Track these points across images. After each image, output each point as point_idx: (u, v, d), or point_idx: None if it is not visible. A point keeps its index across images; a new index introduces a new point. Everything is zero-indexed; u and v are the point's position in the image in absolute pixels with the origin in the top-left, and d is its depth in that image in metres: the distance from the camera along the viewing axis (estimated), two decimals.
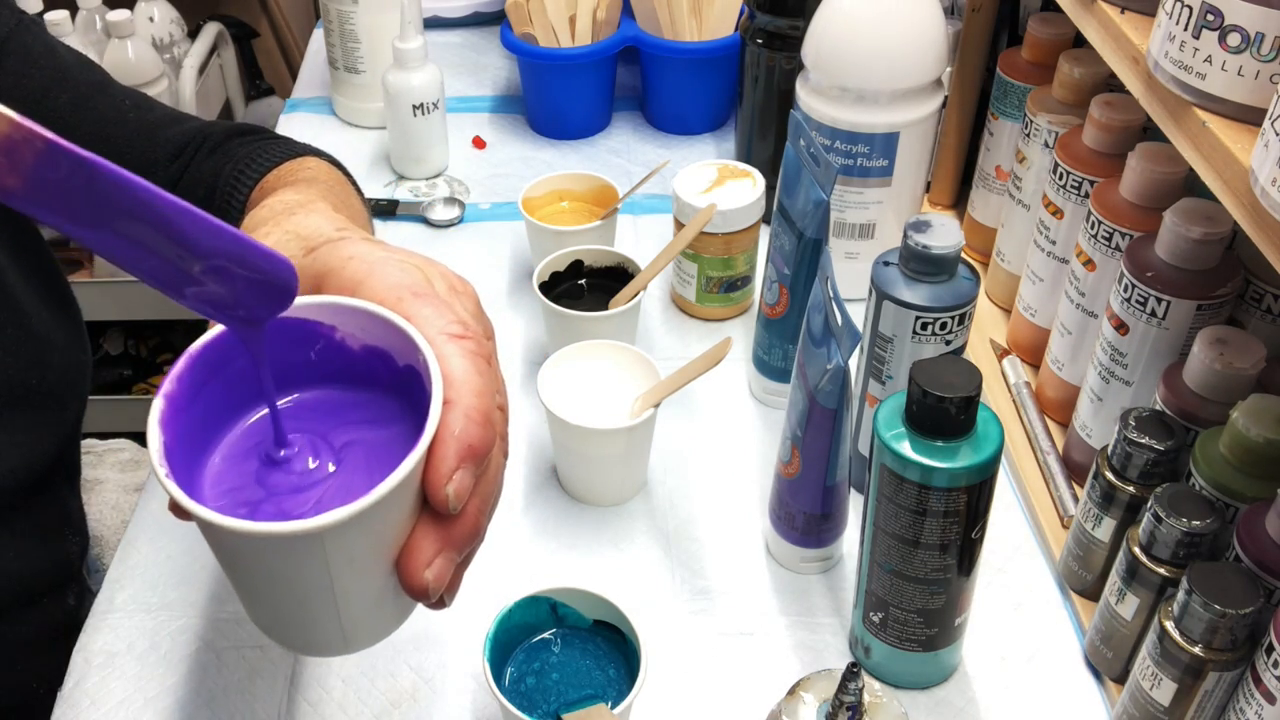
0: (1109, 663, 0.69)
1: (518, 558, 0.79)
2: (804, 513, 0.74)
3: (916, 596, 0.65)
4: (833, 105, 0.91)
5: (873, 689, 0.60)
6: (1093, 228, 0.78)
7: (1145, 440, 0.66)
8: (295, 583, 0.38)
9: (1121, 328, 0.73)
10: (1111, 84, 0.84)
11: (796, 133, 0.80)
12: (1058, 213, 0.84)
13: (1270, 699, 0.55)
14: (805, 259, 0.80)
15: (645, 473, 0.84)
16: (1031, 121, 0.89)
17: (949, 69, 1.02)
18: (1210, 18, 0.52)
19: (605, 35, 1.20)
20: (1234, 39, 0.52)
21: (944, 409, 0.59)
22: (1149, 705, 0.62)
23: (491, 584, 0.77)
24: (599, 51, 1.19)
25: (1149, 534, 0.63)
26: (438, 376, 0.37)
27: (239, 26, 1.93)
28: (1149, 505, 0.63)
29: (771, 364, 0.89)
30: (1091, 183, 0.81)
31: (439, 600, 0.40)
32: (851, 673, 0.57)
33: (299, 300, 0.39)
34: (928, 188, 1.09)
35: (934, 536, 0.62)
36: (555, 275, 0.92)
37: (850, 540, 0.78)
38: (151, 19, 1.73)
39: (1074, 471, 0.82)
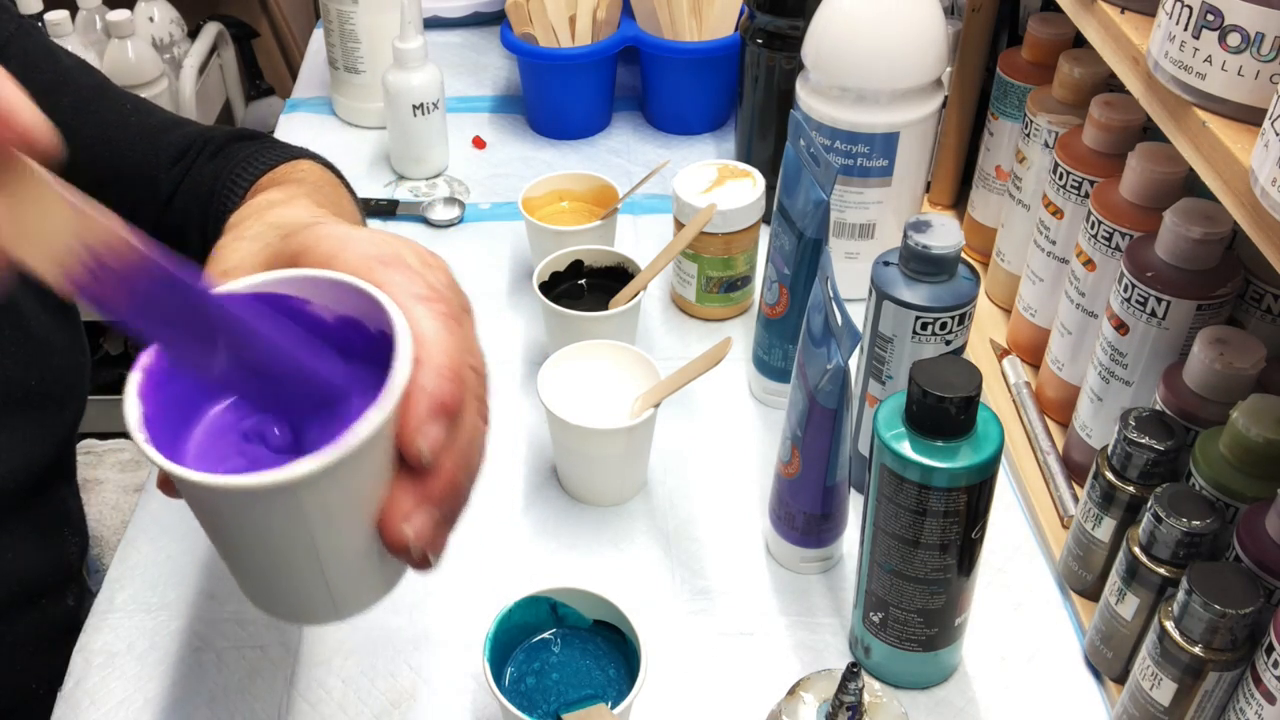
0: (1109, 663, 0.69)
1: (518, 558, 0.79)
2: (804, 513, 0.74)
3: (916, 596, 0.65)
4: (833, 105, 0.91)
5: (873, 689, 0.60)
6: (1093, 228, 0.78)
7: (1145, 440, 0.66)
8: (277, 543, 0.39)
9: (1121, 328, 0.73)
10: (1111, 84, 0.84)
11: (796, 133, 0.80)
12: (1058, 213, 0.84)
13: (1270, 699, 0.55)
14: (805, 259, 0.80)
15: (645, 473, 0.84)
16: (1031, 121, 0.89)
17: (949, 69, 1.02)
18: (1210, 18, 0.52)
19: (605, 35, 1.20)
20: (1234, 39, 0.52)
21: (944, 409, 0.59)
22: (1149, 705, 0.62)
23: (491, 584, 0.77)
24: (599, 51, 1.19)
25: (1149, 534, 0.63)
26: (405, 333, 0.38)
27: (239, 26, 1.93)
28: (1149, 505, 0.63)
29: (771, 364, 0.89)
30: (1091, 183, 0.81)
31: (424, 560, 0.40)
32: (851, 673, 0.57)
33: (270, 275, 0.40)
34: (928, 188, 1.09)
35: (934, 536, 0.62)
36: (555, 275, 0.92)
37: (850, 540, 0.78)
38: (151, 19, 1.73)
39: (1074, 471, 0.82)
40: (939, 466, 0.60)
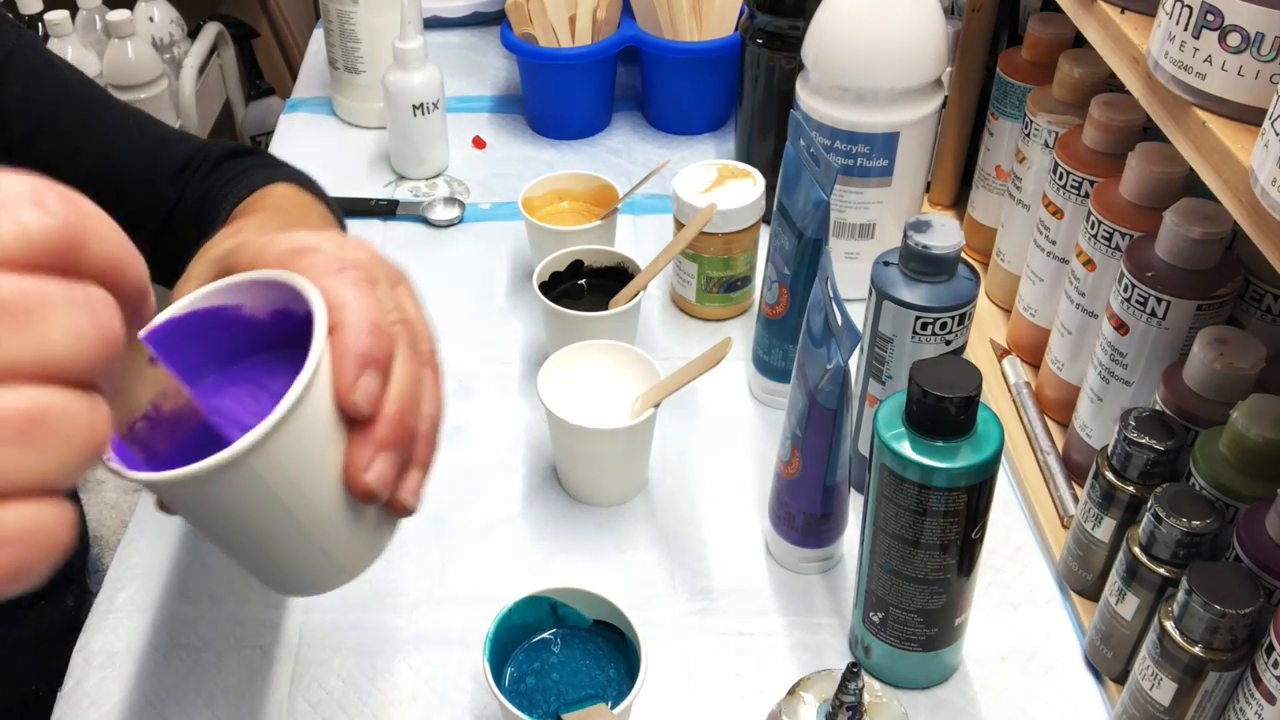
0: (1109, 663, 0.69)
1: (518, 558, 0.79)
2: (804, 513, 0.74)
3: (916, 596, 0.65)
4: (833, 105, 0.91)
5: (873, 689, 0.60)
6: (1093, 228, 0.78)
7: (1145, 440, 0.66)
8: (258, 521, 0.41)
9: (1121, 328, 0.73)
10: (1111, 84, 0.84)
11: (796, 133, 0.80)
12: (1058, 213, 0.84)
13: (1270, 699, 0.55)
14: (805, 259, 0.80)
15: (645, 473, 0.84)
16: (1031, 121, 0.89)
17: (949, 69, 1.02)
18: (1210, 18, 0.52)
19: (605, 35, 1.20)
20: (1234, 39, 0.52)
21: (944, 409, 0.59)
22: (1149, 705, 0.62)
23: (491, 584, 0.77)
24: (599, 51, 1.19)
25: (1149, 534, 0.63)
26: (319, 305, 0.40)
27: (239, 26, 1.93)
28: (1149, 505, 0.63)
29: (771, 364, 0.89)
30: (1091, 183, 0.81)
31: (400, 505, 0.44)
32: (851, 673, 0.57)
33: (199, 291, 0.42)
34: (928, 188, 1.09)
35: (934, 536, 0.62)
36: (555, 275, 0.92)
37: (850, 540, 0.78)
38: (151, 19, 1.73)
39: (1074, 471, 0.82)
40: (939, 466, 0.60)
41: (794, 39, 0.98)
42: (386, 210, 1.13)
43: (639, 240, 1.08)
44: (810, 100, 0.93)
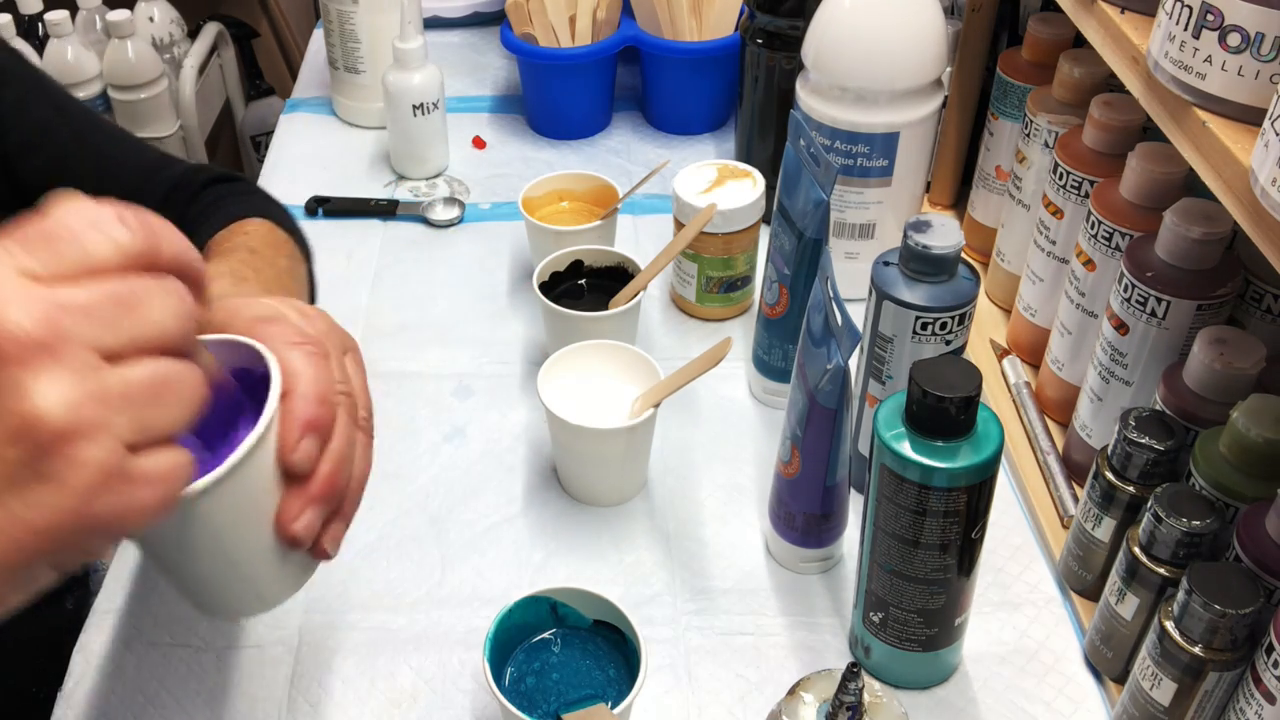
0: (1109, 663, 0.69)
1: (518, 558, 0.79)
2: (804, 513, 0.74)
3: (916, 596, 0.65)
4: (833, 105, 0.91)
5: (873, 689, 0.60)
6: (1093, 228, 0.78)
7: (1145, 440, 0.66)
8: (195, 548, 0.46)
9: (1121, 328, 0.73)
10: (1111, 84, 0.84)
11: (796, 133, 0.80)
12: (1058, 213, 0.84)
13: (1270, 699, 0.55)
14: (805, 259, 0.80)
15: (645, 473, 0.84)
16: (1031, 121, 0.89)
17: (949, 69, 1.02)
18: (1210, 18, 0.52)
19: (605, 35, 1.20)
20: (1234, 39, 0.52)
21: (944, 409, 0.59)
22: (1149, 705, 0.62)
23: (491, 584, 0.77)
24: (599, 51, 1.19)
25: (1149, 534, 0.63)
26: (275, 373, 0.46)
27: (239, 26, 1.93)
28: (1149, 505, 0.63)
29: (771, 364, 0.89)
30: (1091, 183, 0.81)
31: (321, 551, 0.49)
32: (851, 673, 0.57)
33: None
34: (928, 188, 1.09)
35: (934, 536, 0.62)
36: (555, 275, 0.92)
37: (850, 540, 0.78)
38: (151, 19, 1.73)
39: (1074, 471, 0.82)
40: (939, 466, 0.60)
41: (794, 39, 0.98)
42: (386, 210, 1.13)
43: (639, 240, 1.08)
44: (810, 100, 0.93)
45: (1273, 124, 0.46)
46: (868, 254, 0.96)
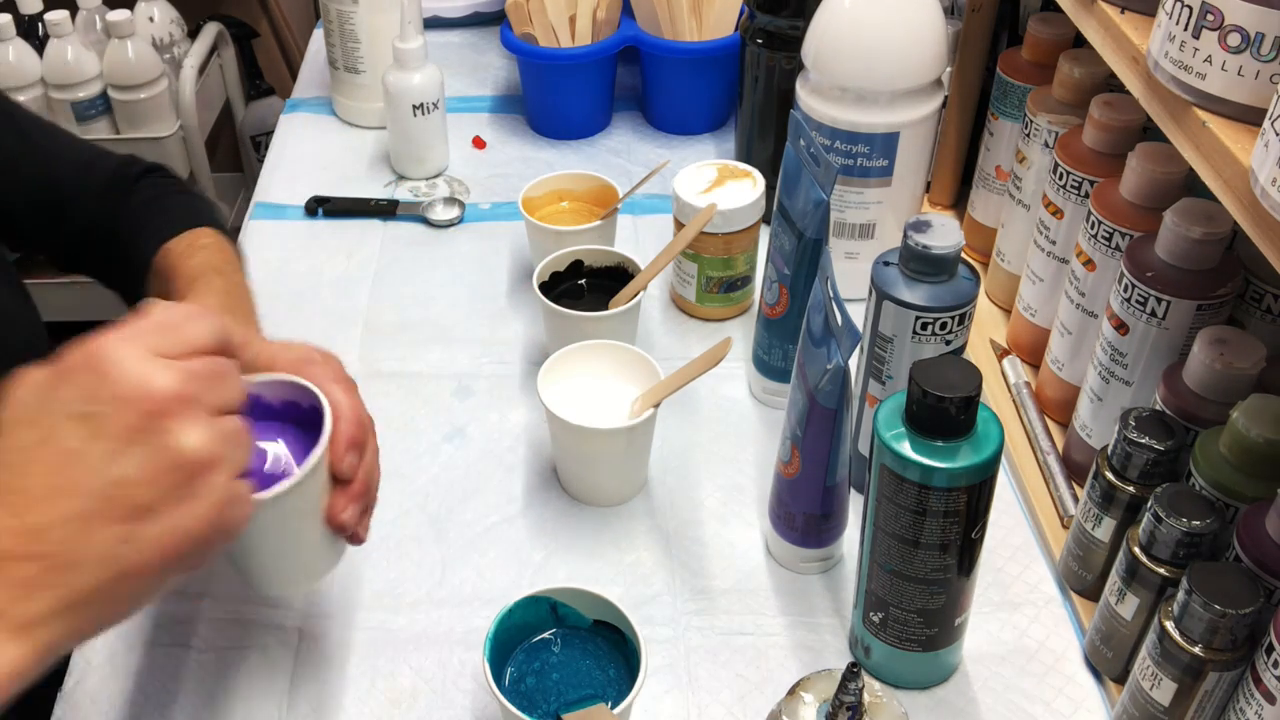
0: (1109, 663, 0.69)
1: (518, 558, 0.79)
2: (804, 513, 0.74)
3: (916, 596, 0.65)
4: (833, 105, 0.91)
5: (873, 689, 0.60)
6: (1093, 228, 0.78)
7: (1145, 440, 0.66)
8: (267, 534, 0.59)
9: (1121, 328, 0.73)
10: (1111, 84, 0.84)
11: (796, 133, 0.80)
12: (1058, 213, 0.84)
13: (1270, 699, 0.55)
14: (805, 259, 0.80)
15: (645, 473, 0.84)
16: (1031, 121, 0.89)
17: (949, 69, 1.02)
18: (1210, 18, 0.52)
19: (605, 35, 1.20)
20: (1234, 39, 0.52)
21: (944, 409, 0.59)
22: (1149, 705, 0.62)
23: (491, 584, 0.77)
24: (599, 51, 1.19)
25: (1149, 534, 0.63)
26: (327, 405, 0.60)
27: (239, 26, 1.93)
28: (1149, 505, 0.63)
29: (771, 364, 0.89)
30: (1091, 183, 0.81)
31: (356, 536, 0.63)
32: (851, 673, 0.57)
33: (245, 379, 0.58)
34: (928, 188, 1.09)
35: (934, 536, 0.62)
36: (555, 275, 0.92)
37: (850, 540, 0.78)
38: (151, 19, 1.73)
39: (1074, 471, 0.82)
40: (939, 466, 0.60)
41: (794, 39, 0.98)
42: (386, 210, 1.13)
43: (639, 240, 1.08)
44: (810, 100, 0.93)
45: (1273, 124, 0.46)
46: (868, 254, 0.96)
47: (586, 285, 0.94)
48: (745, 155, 1.12)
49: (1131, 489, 0.68)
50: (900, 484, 0.61)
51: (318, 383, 0.60)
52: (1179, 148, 0.57)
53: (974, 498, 0.61)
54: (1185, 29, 0.54)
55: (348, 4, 1.19)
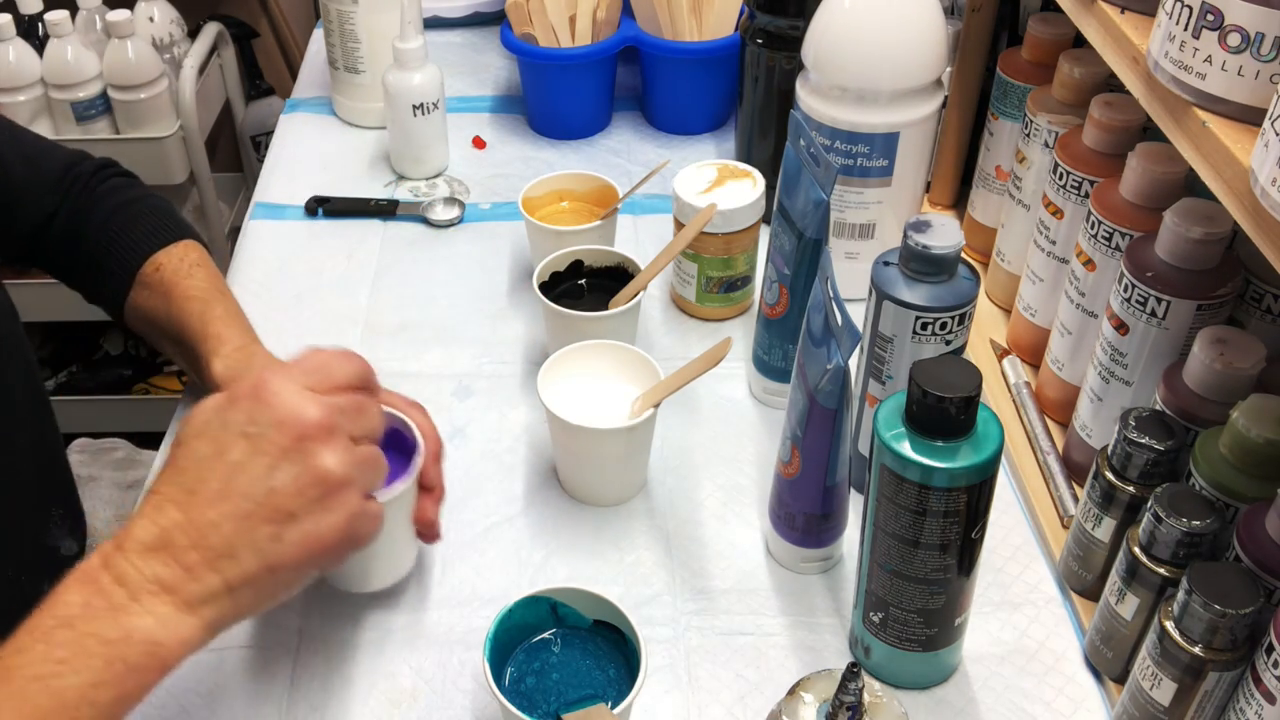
0: (1109, 663, 0.69)
1: (518, 558, 0.79)
2: (804, 513, 0.74)
3: (916, 596, 0.65)
4: (833, 105, 0.91)
5: (873, 689, 0.60)
6: (1093, 228, 0.78)
7: (1145, 440, 0.66)
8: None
9: (1121, 328, 0.73)
10: (1111, 84, 0.84)
11: (796, 133, 0.80)
12: (1058, 213, 0.84)
13: (1270, 699, 0.55)
14: (805, 259, 0.80)
15: (645, 473, 0.84)
16: (1031, 121, 0.89)
17: (949, 69, 1.02)
18: (1210, 18, 0.52)
19: (605, 35, 1.20)
20: (1234, 39, 0.52)
21: (944, 409, 0.59)
22: (1149, 705, 0.62)
23: (491, 584, 0.77)
24: (599, 51, 1.19)
25: (1149, 534, 0.63)
26: (418, 432, 0.71)
27: (239, 26, 1.93)
28: (1149, 505, 0.63)
29: (771, 364, 0.89)
30: (1091, 183, 0.81)
31: (439, 536, 0.73)
32: (851, 673, 0.57)
33: None
34: (928, 188, 1.09)
35: (934, 536, 0.62)
36: (555, 275, 0.92)
37: (850, 540, 0.78)
38: (151, 19, 1.73)
39: (1074, 471, 0.82)
40: (939, 466, 0.60)
41: (794, 39, 0.98)
42: (386, 210, 1.13)
43: (639, 240, 1.08)
44: (810, 100, 0.93)
45: (1273, 124, 0.46)
46: (868, 254, 0.96)
47: (586, 285, 0.94)
48: (745, 155, 1.12)
49: (1131, 489, 0.68)
50: (900, 484, 0.61)
51: (399, 408, 0.72)
52: (1179, 148, 0.57)
53: (974, 498, 0.61)
54: (1185, 29, 0.54)
55: (348, 4, 1.19)
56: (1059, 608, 0.76)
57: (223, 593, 0.55)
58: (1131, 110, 0.79)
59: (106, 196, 0.88)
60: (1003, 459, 0.68)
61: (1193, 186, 0.72)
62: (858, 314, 0.69)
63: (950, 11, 1.05)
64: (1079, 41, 0.84)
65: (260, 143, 1.99)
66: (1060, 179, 0.83)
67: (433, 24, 1.43)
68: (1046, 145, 0.88)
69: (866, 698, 0.59)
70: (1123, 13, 0.65)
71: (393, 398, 0.74)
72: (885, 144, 0.91)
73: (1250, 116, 0.53)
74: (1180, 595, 0.59)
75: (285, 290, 1.03)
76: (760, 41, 1.04)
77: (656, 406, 0.78)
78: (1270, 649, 0.55)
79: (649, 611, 0.75)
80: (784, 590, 0.77)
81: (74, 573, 0.55)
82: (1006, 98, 0.94)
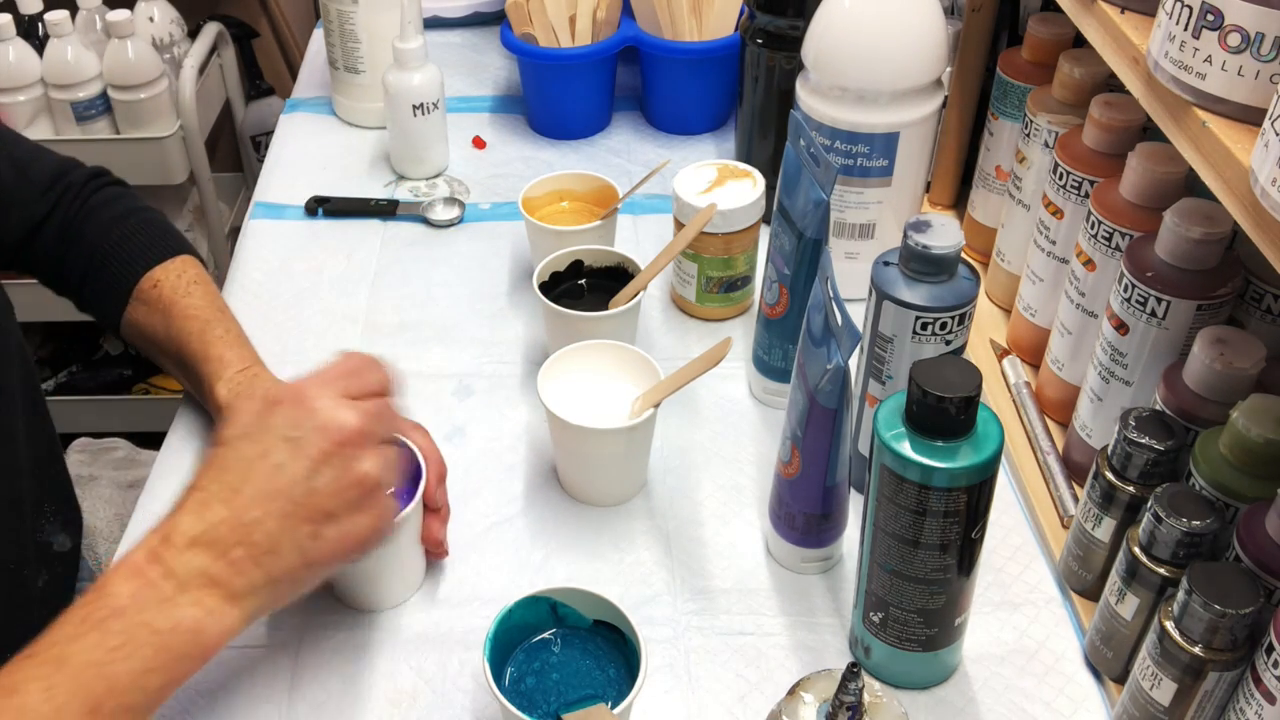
0: (1109, 663, 0.69)
1: (518, 558, 0.79)
2: (804, 513, 0.74)
3: (916, 596, 0.65)
4: (833, 105, 0.91)
5: (873, 689, 0.60)
6: (1093, 228, 0.78)
7: (1145, 440, 0.66)
8: (382, 555, 0.70)
9: (1121, 328, 0.73)
10: (1111, 84, 0.84)
11: (796, 133, 0.80)
12: (1058, 213, 0.84)
13: (1270, 699, 0.55)
14: (805, 259, 0.80)
15: (645, 473, 0.84)
16: (1031, 121, 0.89)
17: (949, 69, 1.02)
18: (1210, 18, 0.52)
19: (605, 35, 1.20)
20: (1234, 39, 0.52)
21: (944, 409, 0.59)
22: (1149, 705, 0.62)
23: (491, 584, 0.77)
24: (599, 51, 1.19)
25: (1149, 534, 0.63)
26: (421, 456, 0.73)
27: (239, 26, 1.93)
28: (1149, 505, 0.63)
29: (771, 364, 0.89)
30: (1091, 183, 0.81)
31: (444, 552, 0.77)
32: (851, 673, 0.57)
33: None
34: (928, 188, 1.09)
35: (934, 536, 0.62)
36: (555, 275, 0.92)
37: (850, 540, 0.78)
38: (151, 19, 1.73)
39: (1074, 471, 0.82)
40: (939, 466, 0.60)
41: (794, 39, 0.98)
42: (386, 210, 1.13)
43: (639, 240, 1.08)
44: (810, 100, 0.93)
45: (1273, 124, 0.46)
46: (868, 254, 0.96)
47: (586, 285, 0.94)
48: (745, 155, 1.12)
49: (1131, 489, 0.68)
50: (900, 484, 0.61)
51: (402, 431, 0.73)
52: (1179, 148, 0.57)
53: (974, 498, 0.61)
54: (1185, 29, 0.54)
55: (348, 4, 1.19)
56: (1059, 608, 0.76)
57: (264, 586, 0.58)
58: (1131, 110, 0.79)
59: (100, 208, 0.87)
60: (1003, 459, 0.68)
61: (1193, 186, 0.72)
62: (858, 314, 0.69)
63: (950, 11, 1.05)
64: (1079, 41, 0.84)
65: (260, 143, 1.99)
66: (1060, 179, 0.83)
67: (433, 24, 1.43)
68: (1046, 145, 0.88)
69: (866, 698, 0.59)
70: (1123, 13, 0.65)
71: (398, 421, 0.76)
72: (885, 144, 0.91)
73: (1250, 116, 0.53)
74: (1180, 595, 0.59)
75: (285, 290, 1.03)
76: (760, 41, 1.04)
77: (656, 406, 0.78)
78: (1270, 649, 0.55)
79: (649, 611, 0.75)
80: (784, 590, 0.77)
81: (120, 565, 0.57)
82: (1006, 98, 0.94)
